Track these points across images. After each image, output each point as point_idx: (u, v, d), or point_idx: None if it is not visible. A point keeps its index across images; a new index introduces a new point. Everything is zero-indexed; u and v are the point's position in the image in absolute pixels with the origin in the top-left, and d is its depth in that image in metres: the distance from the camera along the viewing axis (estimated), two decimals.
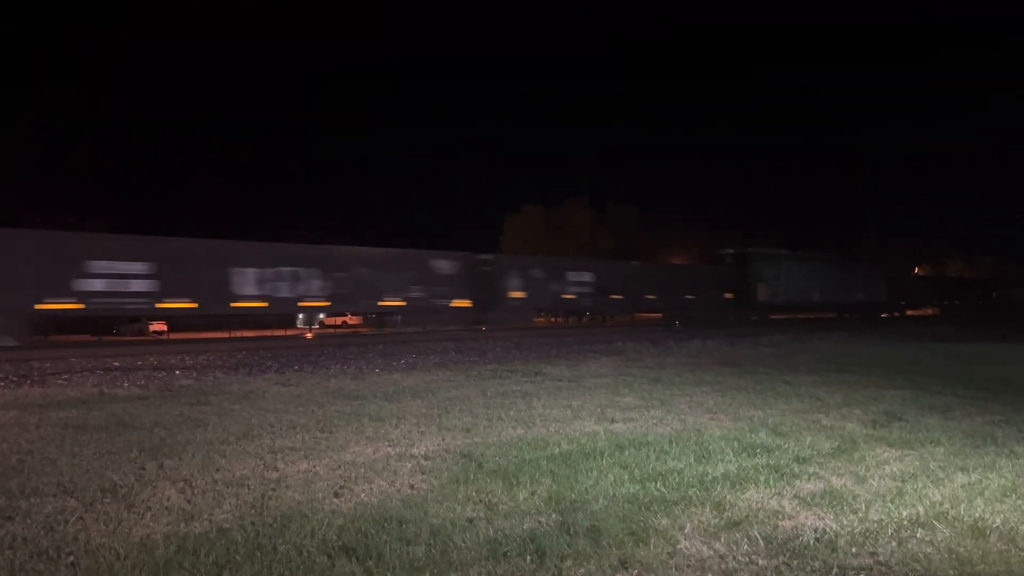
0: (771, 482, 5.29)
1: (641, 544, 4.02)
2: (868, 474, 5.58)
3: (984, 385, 10.94)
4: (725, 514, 4.54)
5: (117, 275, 18.63)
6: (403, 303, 24.99)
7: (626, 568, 3.72)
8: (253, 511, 4.57)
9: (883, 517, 4.51)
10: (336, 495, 4.94)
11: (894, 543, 4.08)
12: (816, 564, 3.78)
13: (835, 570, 3.71)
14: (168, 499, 4.82)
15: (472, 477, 5.36)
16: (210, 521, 4.38)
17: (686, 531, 4.23)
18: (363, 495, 4.95)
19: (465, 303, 27.04)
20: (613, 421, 7.74)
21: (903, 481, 5.37)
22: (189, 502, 4.77)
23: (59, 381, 11.23)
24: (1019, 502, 4.88)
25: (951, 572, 3.73)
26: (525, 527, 4.25)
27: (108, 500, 4.78)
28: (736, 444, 6.50)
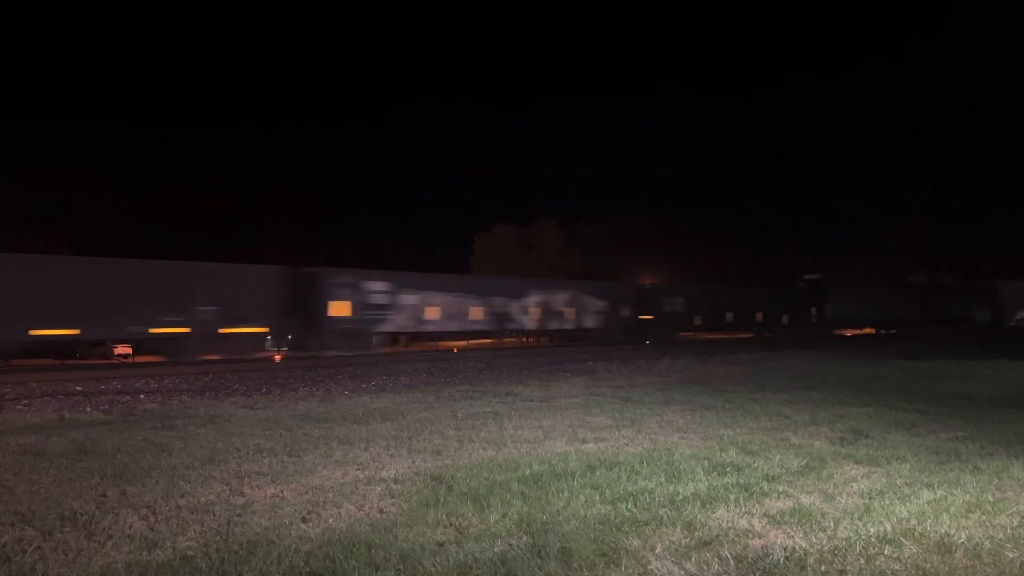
0: (741, 501, 5.31)
1: (612, 565, 4.00)
2: (836, 492, 5.63)
3: (947, 401, 11.13)
4: (696, 534, 4.55)
5: None
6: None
7: None
8: (218, 538, 4.48)
9: (851, 534, 4.54)
10: (304, 520, 4.86)
11: (862, 560, 4.11)
12: None
13: None
14: (130, 527, 4.71)
15: (442, 500, 5.31)
16: (173, 549, 4.29)
17: (657, 551, 4.22)
18: (331, 520, 4.88)
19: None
20: (584, 441, 7.73)
21: (870, 498, 5.43)
22: (152, 529, 4.66)
23: (18, 406, 10.94)
24: (984, 518, 4.95)
25: None
26: (496, 550, 4.22)
27: (67, 529, 4.66)
28: (706, 463, 6.53)
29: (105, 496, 5.48)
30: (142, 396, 12.28)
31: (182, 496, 5.48)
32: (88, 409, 10.64)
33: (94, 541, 4.41)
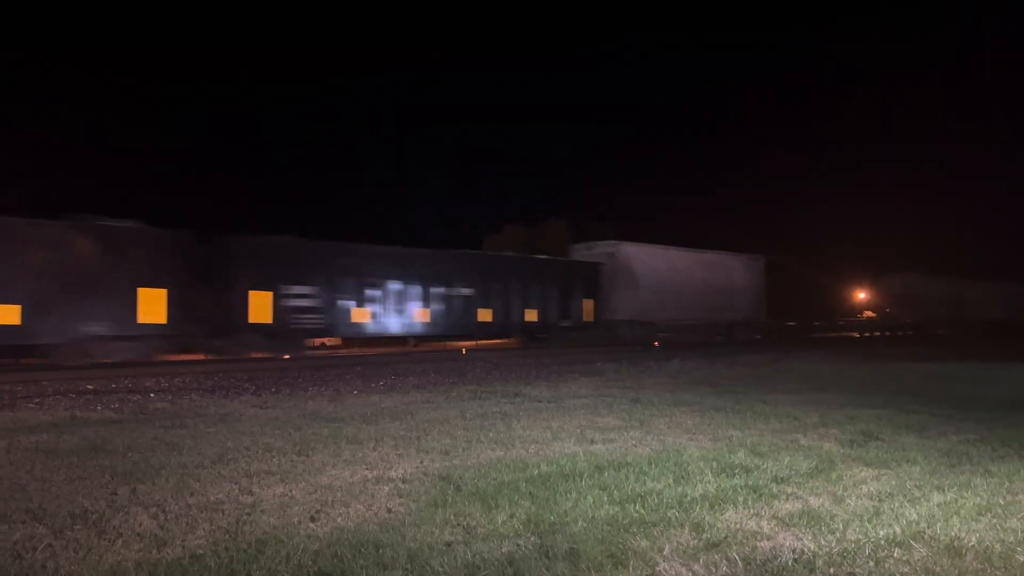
0: (750, 502, 5.30)
1: (620, 567, 4.00)
2: (845, 494, 5.61)
3: (959, 404, 11.06)
4: (704, 535, 4.54)
5: None
6: None
7: None
8: (227, 536, 4.50)
9: (860, 537, 4.52)
10: (312, 519, 4.88)
11: (871, 563, 4.09)
12: None
13: None
14: (140, 525, 4.74)
15: (450, 500, 5.32)
16: (183, 547, 4.31)
17: (665, 553, 4.21)
18: (340, 519, 4.90)
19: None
20: (593, 442, 7.72)
21: (880, 500, 5.40)
22: (162, 528, 4.69)
23: (30, 405, 11.03)
24: (995, 521, 4.92)
25: None
26: (503, 550, 4.22)
27: (78, 526, 4.69)
28: (715, 464, 6.51)
29: (116, 494, 5.51)
30: (152, 395, 12.35)
31: (192, 495, 5.51)
32: (99, 408, 10.71)
33: (104, 539, 4.44)
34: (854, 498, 5.48)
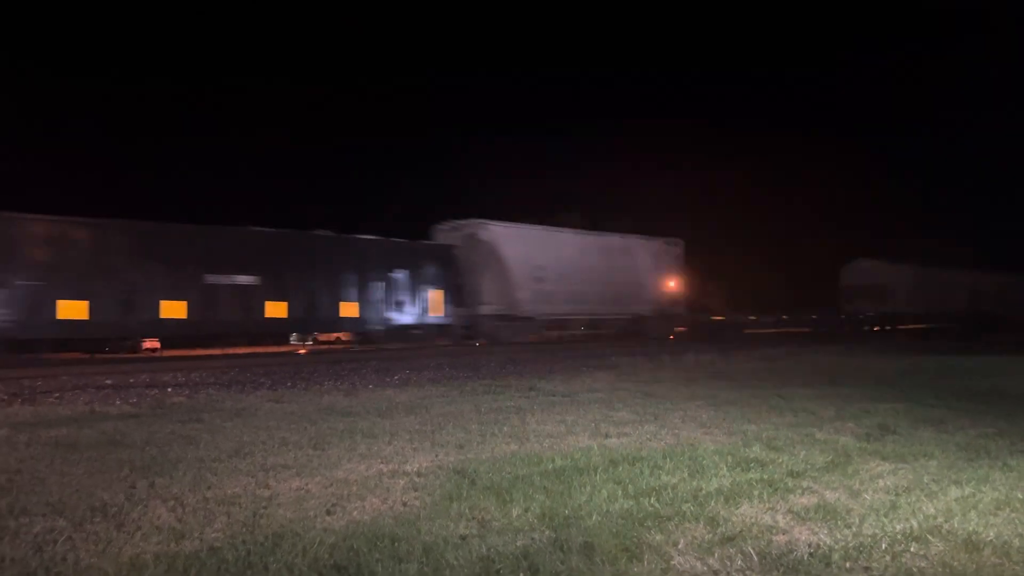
0: (765, 497, 5.28)
1: (635, 560, 4.00)
2: (862, 488, 5.58)
3: (977, 397, 10.97)
4: (719, 529, 4.53)
5: None
6: None
7: None
8: (244, 529, 4.54)
9: (877, 531, 4.50)
10: (328, 513, 4.91)
11: (888, 557, 4.07)
12: None
13: None
14: (159, 518, 4.79)
15: (465, 494, 5.34)
16: (201, 540, 4.35)
17: (680, 547, 4.21)
18: (355, 513, 4.93)
19: None
20: (607, 436, 7.72)
21: (897, 495, 5.37)
22: (180, 521, 4.73)
23: (50, 399, 11.14)
24: (1013, 515, 4.88)
25: None
26: (518, 544, 4.23)
27: (98, 519, 4.74)
28: (730, 458, 6.49)
29: (134, 488, 5.57)
30: (170, 389, 12.45)
31: (209, 488, 5.56)
32: (117, 402, 10.80)
33: (124, 532, 4.49)
34: (870, 492, 5.45)
